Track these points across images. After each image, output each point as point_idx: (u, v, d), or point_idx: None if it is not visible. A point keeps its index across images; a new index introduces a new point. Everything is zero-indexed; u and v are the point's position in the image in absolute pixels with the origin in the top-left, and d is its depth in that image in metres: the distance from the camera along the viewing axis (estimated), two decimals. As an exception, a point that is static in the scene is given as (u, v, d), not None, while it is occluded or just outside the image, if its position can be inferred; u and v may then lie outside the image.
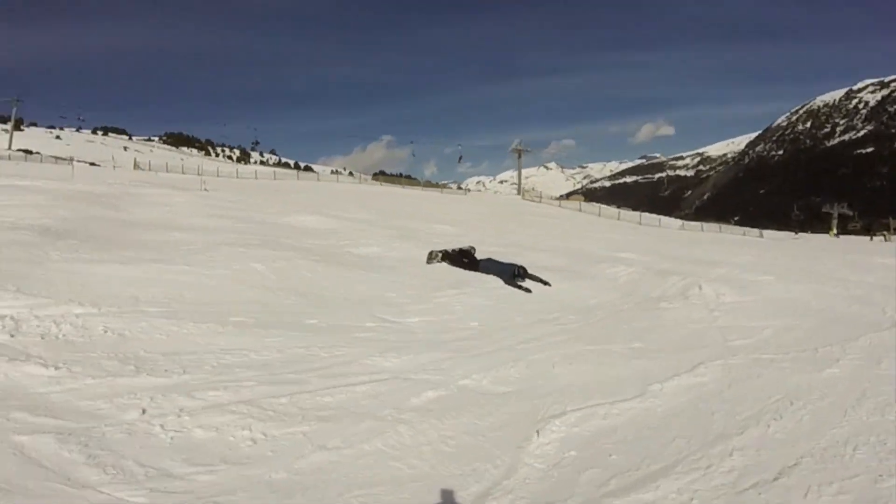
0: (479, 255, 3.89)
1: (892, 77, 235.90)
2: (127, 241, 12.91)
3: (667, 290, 12.91)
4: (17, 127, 54.99)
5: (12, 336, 6.19)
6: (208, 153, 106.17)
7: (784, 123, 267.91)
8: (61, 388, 5.14)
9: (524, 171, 68.12)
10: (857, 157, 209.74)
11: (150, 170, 49.00)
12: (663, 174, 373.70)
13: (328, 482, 3.87)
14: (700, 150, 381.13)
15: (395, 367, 6.61)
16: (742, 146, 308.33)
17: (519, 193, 58.81)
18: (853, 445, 4.83)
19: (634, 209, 57.43)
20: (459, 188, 79.71)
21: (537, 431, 5.02)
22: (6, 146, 49.72)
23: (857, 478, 4.26)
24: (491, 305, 10.92)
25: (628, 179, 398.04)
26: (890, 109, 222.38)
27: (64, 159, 47.05)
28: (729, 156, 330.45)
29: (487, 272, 3.77)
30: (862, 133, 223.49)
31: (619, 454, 4.67)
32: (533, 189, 74.28)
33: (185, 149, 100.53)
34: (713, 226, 46.31)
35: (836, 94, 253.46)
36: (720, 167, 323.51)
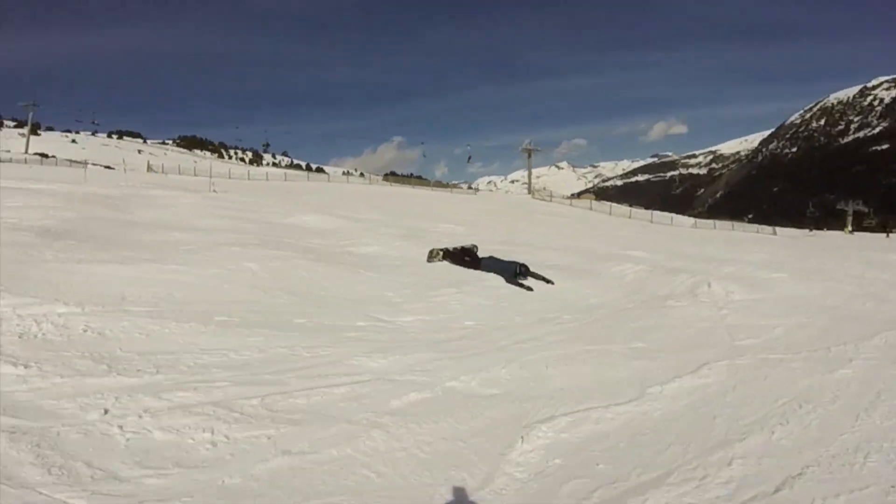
0: (484, 254, 3.81)
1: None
2: (126, 241, 12.87)
3: (675, 289, 12.46)
4: (33, 131, 56.14)
5: (-11, 335, 6.05)
6: (221, 156, 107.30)
7: (798, 121, 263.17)
8: (28, 386, 4.96)
9: (535, 171, 67.57)
10: (872, 154, 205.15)
11: (162, 172, 49.65)
12: (675, 172, 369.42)
13: (283, 489, 3.61)
14: (713, 149, 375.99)
15: (380, 368, 6.34)
16: (755, 144, 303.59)
17: (529, 193, 58.28)
18: (864, 453, 4.43)
19: (646, 208, 56.45)
20: (470, 188, 79.31)
21: (522, 437, 4.71)
22: (23, 150, 50.71)
23: (867, 489, 3.88)
24: (490, 304, 10.61)
25: (640, 178, 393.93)
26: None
27: (79, 163, 47.83)
28: (742, 154, 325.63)
29: (489, 271, 3.70)
30: (877, 130, 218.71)
31: (608, 463, 4.33)
32: (544, 188, 73.64)
33: (198, 151, 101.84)
34: (726, 224, 45.30)
35: (850, 92, 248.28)
36: (733, 165, 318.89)
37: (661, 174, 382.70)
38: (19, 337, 6.21)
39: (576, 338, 8.52)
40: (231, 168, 59.33)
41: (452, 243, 4.15)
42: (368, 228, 20.55)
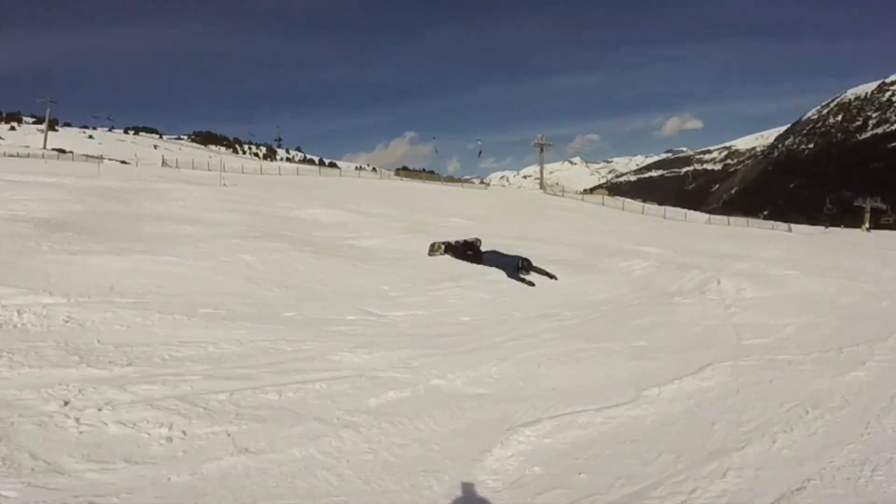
0: (489, 248, 3.78)
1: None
2: (126, 233, 12.83)
3: (683, 285, 12.00)
4: (51, 127, 57.14)
5: (-33, 325, 5.95)
6: (235, 151, 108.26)
7: (814, 116, 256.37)
8: (-7, 377, 4.82)
9: (548, 167, 66.80)
10: (890, 151, 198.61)
11: (176, 167, 50.09)
12: (690, 168, 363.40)
13: (232, 490, 3.39)
14: (728, 144, 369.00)
15: (362, 364, 6.09)
16: (771, 140, 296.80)
17: (541, 188, 57.62)
18: (872, 465, 4.05)
19: (660, 204, 55.38)
20: (482, 183, 78.75)
21: (501, 442, 4.41)
22: (42, 145, 51.60)
23: (873, 508, 3.51)
24: (489, 299, 10.30)
25: (654, 174, 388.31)
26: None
27: (95, 157, 48.48)
28: (758, 149, 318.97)
29: (491, 265, 3.71)
30: (895, 126, 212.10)
31: (591, 472, 4.01)
32: (557, 184, 72.85)
33: (212, 147, 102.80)
34: (740, 220, 44.13)
35: (868, 87, 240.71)
36: (748, 161, 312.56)
37: (676, 170, 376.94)
38: (-2, 327, 6.10)
39: (574, 335, 8.18)
40: (244, 163, 59.63)
41: (458, 237, 4.03)
42: (374, 222, 20.34)
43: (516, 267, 3.58)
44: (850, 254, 19.38)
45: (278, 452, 3.90)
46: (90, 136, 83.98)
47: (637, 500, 3.61)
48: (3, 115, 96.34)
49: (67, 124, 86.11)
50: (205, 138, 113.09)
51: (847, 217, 61.85)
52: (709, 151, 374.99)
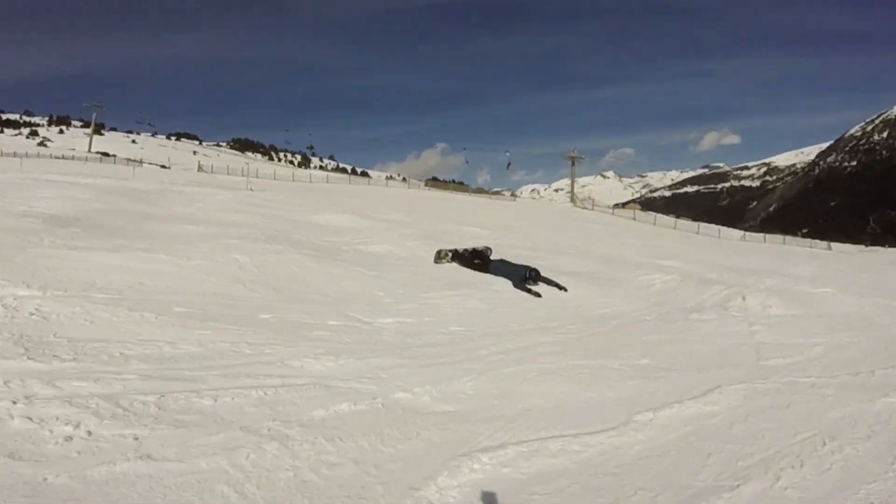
0: (505, 258, 3.68)
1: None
2: (133, 231, 12.88)
3: (704, 301, 11.07)
4: (97, 131, 59.98)
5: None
6: (271, 158, 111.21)
7: (858, 133, 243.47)
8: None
9: (580, 180, 65.57)
10: None
11: (211, 172, 51.52)
12: (727, 184, 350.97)
13: (109, 497, 3.00)
14: (767, 160, 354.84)
15: (324, 372, 5.60)
16: (812, 156, 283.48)
17: (571, 201, 56.42)
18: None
19: (694, 220, 53.12)
20: (512, 195, 77.91)
21: (449, 469, 3.81)
22: (87, 149, 54.11)
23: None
24: (487, 309, 9.70)
25: (689, 189, 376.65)
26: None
27: (135, 161, 50.42)
28: (798, 166, 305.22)
29: (498, 274, 3.59)
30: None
31: (546, 510, 3.37)
32: (589, 197, 71.32)
33: (249, 154, 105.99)
34: (777, 237, 41.63)
35: None
36: (788, 178, 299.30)
37: (712, 186, 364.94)
38: (-41, 317, 5.94)
39: (572, 350, 7.47)
40: (276, 169, 60.99)
41: (470, 246, 3.84)
42: (388, 228, 20.02)
43: (523, 277, 3.43)
44: (891, 273, 17.72)
45: (183, 462, 3.44)
46: (133, 141, 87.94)
47: (590, 551, 2.95)
48: (53, 118, 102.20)
49: (113, 129, 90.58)
50: (242, 145, 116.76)
51: (890, 237, 58.05)
52: (746, 167, 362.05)
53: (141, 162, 49.21)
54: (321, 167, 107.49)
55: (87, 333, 5.91)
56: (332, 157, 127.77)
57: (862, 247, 43.84)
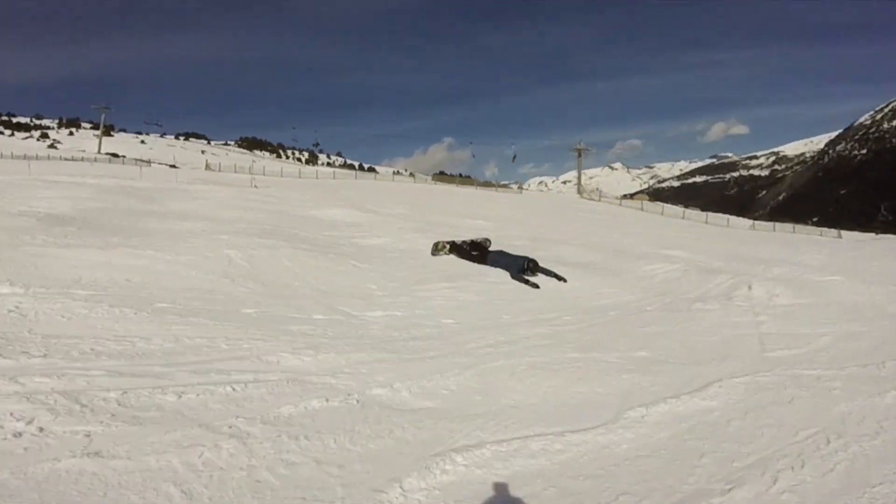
0: (506, 249, 3.62)
1: None
2: (127, 229, 12.77)
3: (708, 291, 10.69)
4: (107, 133, 60.46)
5: None
6: (279, 156, 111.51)
7: (867, 122, 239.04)
8: None
9: (588, 172, 64.92)
10: None
11: (219, 170, 51.68)
12: (735, 174, 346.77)
13: (47, 495, 2.84)
14: (775, 150, 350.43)
15: (300, 367, 5.38)
16: (821, 145, 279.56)
17: (578, 193, 55.78)
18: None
19: (703, 210, 52.17)
20: (520, 188, 77.26)
21: (418, 470, 3.57)
22: (96, 150, 54.55)
23: None
24: (481, 301, 9.44)
25: (698, 179, 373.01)
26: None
27: (144, 161, 50.73)
28: (807, 155, 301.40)
29: (495, 265, 3.55)
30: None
31: (516, 514, 3.12)
32: (596, 189, 70.48)
33: (257, 152, 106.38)
34: (786, 226, 40.61)
35: None
36: (797, 167, 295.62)
37: (721, 175, 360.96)
38: (-66, 314, 5.82)
39: (566, 343, 7.19)
40: (284, 167, 61.04)
41: (469, 237, 3.78)
42: (389, 222, 19.79)
43: (521, 268, 3.37)
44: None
45: (132, 460, 3.25)
46: (142, 142, 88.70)
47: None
48: (63, 121, 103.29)
49: (122, 130, 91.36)
50: (250, 144, 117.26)
51: (901, 225, 56.49)
52: (755, 157, 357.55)
53: (149, 162, 49.48)
54: (329, 164, 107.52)
55: (61, 330, 5.75)
56: (339, 154, 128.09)
57: (873, 235, 42.76)
